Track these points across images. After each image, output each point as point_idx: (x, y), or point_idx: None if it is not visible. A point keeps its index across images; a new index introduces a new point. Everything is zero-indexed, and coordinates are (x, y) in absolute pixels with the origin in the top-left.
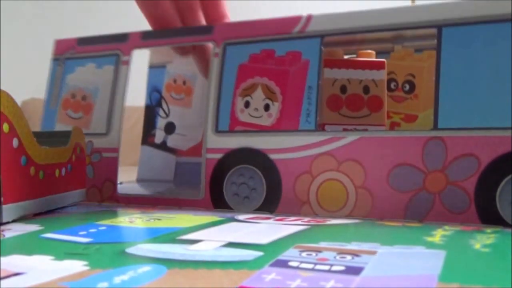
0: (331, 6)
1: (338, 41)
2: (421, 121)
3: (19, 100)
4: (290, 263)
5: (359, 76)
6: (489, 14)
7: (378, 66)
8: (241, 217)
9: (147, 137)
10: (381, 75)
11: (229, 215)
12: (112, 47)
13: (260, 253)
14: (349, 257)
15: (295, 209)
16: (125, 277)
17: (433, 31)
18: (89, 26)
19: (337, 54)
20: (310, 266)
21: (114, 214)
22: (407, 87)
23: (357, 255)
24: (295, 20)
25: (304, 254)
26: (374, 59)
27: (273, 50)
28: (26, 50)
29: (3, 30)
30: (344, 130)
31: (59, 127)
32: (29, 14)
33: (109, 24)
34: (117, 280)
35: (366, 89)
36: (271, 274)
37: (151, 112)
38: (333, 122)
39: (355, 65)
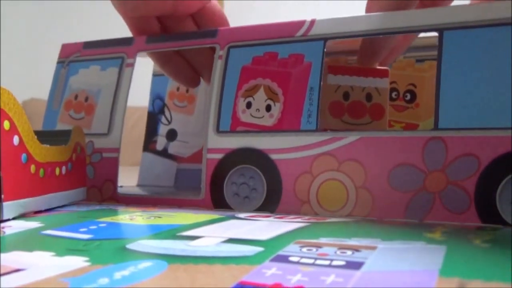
0: (334, 10)
1: (341, 50)
2: None
3: (19, 100)
4: (291, 258)
5: (362, 83)
6: (489, 18)
7: (382, 74)
8: (242, 215)
9: (149, 143)
10: (384, 83)
11: (229, 213)
12: (117, 50)
13: (260, 249)
14: (349, 252)
15: (296, 209)
16: (125, 272)
17: (434, 41)
18: (89, 27)
19: (341, 61)
20: (311, 261)
21: (114, 212)
22: (408, 96)
23: (357, 250)
24: (298, 24)
25: (304, 249)
26: (377, 67)
27: (276, 52)
28: (26, 50)
29: (4, 30)
30: None
31: (60, 127)
32: (29, 15)
33: (109, 26)
34: (118, 275)
35: (368, 97)
36: (271, 269)
37: (153, 119)
38: (335, 128)
39: (358, 72)
